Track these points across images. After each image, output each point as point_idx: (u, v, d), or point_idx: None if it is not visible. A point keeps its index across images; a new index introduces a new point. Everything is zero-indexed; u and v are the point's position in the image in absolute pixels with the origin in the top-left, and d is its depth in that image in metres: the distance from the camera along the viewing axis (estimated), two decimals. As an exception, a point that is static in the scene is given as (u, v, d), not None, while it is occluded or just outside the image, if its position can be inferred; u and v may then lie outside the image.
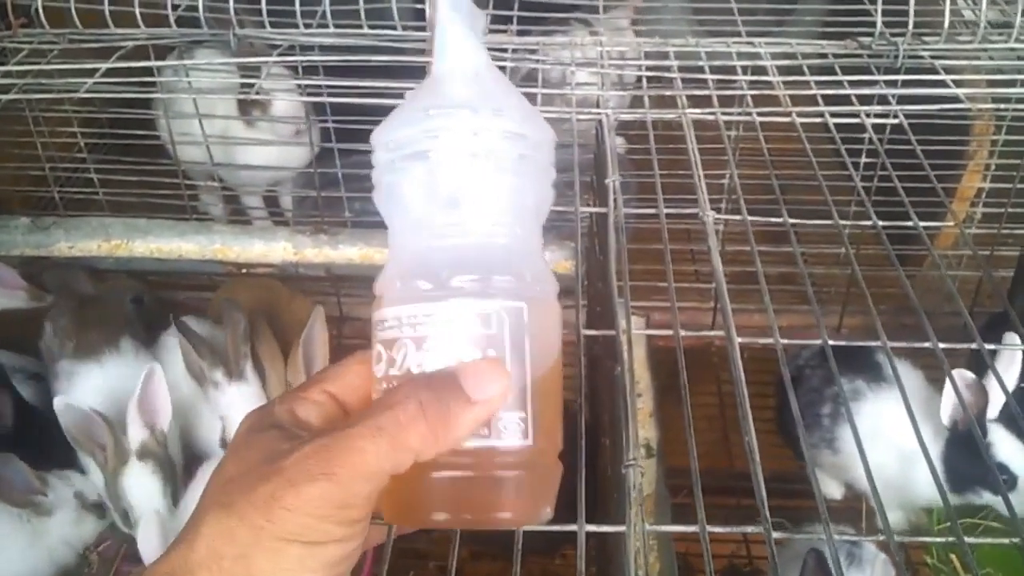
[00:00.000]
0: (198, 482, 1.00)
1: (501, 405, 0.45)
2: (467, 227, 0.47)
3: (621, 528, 0.53)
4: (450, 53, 0.49)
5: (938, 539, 0.72)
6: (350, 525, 0.42)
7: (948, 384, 0.91)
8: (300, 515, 0.40)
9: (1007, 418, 0.95)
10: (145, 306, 1.25)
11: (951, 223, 0.97)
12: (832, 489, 1.20)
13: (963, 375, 0.91)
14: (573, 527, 0.53)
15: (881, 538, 0.52)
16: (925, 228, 0.83)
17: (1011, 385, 0.93)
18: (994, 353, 0.67)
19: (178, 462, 1.03)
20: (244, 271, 1.22)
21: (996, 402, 0.94)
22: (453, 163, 0.47)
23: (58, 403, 0.96)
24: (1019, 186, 1.23)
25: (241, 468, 0.44)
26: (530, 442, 0.47)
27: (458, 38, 0.49)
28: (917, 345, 0.67)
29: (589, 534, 0.54)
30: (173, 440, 1.03)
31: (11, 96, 1.06)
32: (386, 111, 1.11)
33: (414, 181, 0.47)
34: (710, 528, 0.52)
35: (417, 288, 0.47)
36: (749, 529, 0.54)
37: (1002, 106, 1.14)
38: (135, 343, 1.13)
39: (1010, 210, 1.26)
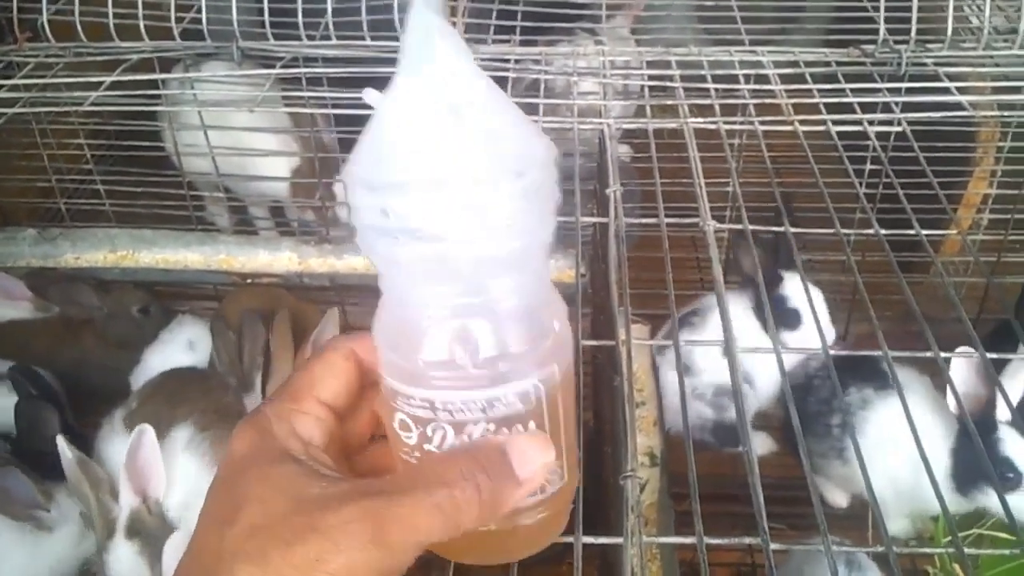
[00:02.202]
0: None
1: (542, 479, 0.45)
2: (489, 298, 0.43)
3: (619, 540, 0.53)
4: (438, 76, 0.41)
5: (937, 549, 0.72)
6: None
7: (954, 372, 0.90)
8: None
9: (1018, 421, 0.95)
10: (151, 316, 1.26)
11: (954, 230, 0.97)
12: (838, 498, 1.19)
13: (971, 362, 0.90)
14: (570, 539, 0.53)
15: (880, 549, 0.51)
16: (927, 235, 0.83)
17: (1019, 391, 0.92)
18: (997, 361, 0.67)
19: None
20: (249, 281, 1.23)
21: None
22: (470, 244, 0.41)
23: (60, 440, 0.93)
24: (1025, 192, 1.23)
25: (268, 514, 0.41)
26: (563, 483, 0.47)
27: (444, 50, 0.41)
28: (918, 355, 0.67)
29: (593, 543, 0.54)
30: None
31: (18, 109, 1.06)
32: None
33: (425, 258, 0.42)
34: (708, 539, 0.52)
35: (445, 371, 0.44)
36: (748, 540, 0.53)
37: (1007, 112, 1.14)
38: (191, 432, 1.03)
39: (1016, 216, 1.26)
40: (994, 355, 0.66)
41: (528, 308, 0.44)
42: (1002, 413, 0.95)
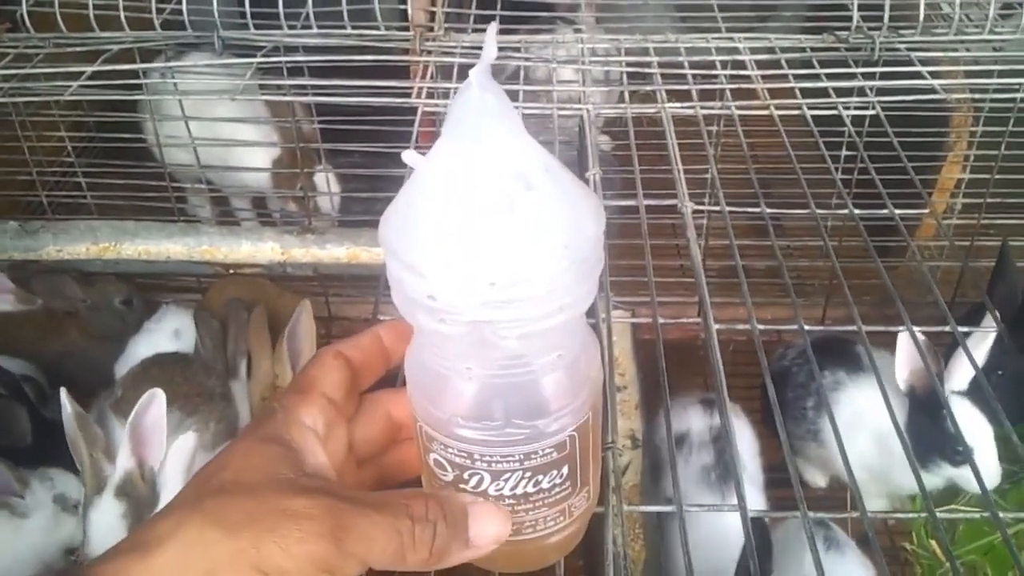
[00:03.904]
0: None
1: (493, 548, 0.46)
2: (531, 365, 0.44)
3: (599, 510, 0.54)
4: (488, 151, 0.40)
5: (910, 514, 0.73)
6: None
7: (901, 343, 0.91)
8: (288, 557, 0.40)
9: (974, 394, 0.96)
10: (134, 308, 1.26)
11: (928, 212, 0.98)
12: (817, 478, 1.21)
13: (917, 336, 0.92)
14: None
15: (855, 514, 0.53)
16: (902, 215, 0.84)
17: (980, 363, 0.94)
18: (967, 335, 0.68)
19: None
20: (232, 271, 1.23)
21: (964, 376, 0.96)
22: (517, 324, 0.41)
23: (63, 393, 0.94)
24: (998, 176, 1.25)
25: (239, 483, 0.43)
26: (588, 503, 0.50)
27: (494, 126, 0.40)
28: (892, 329, 0.69)
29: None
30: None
31: (-3, 100, 1.06)
32: (372, 111, 1.11)
33: (470, 334, 0.41)
34: (687, 507, 0.53)
35: (486, 432, 0.45)
36: (726, 508, 0.55)
37: (978, 96, 1.15)
38: (179, 417, 1.04)
39: (989, 200, 1.28)
40: (965, 328, 0.68)
41: (568, 366, 0.45)
42: (956, 384, 0.97)
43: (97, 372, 1.21)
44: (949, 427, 0.90)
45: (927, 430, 0.96)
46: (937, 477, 0.99)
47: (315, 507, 0.41)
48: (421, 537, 0.44)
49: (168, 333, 1.19)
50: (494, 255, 0.40)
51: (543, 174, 0.41)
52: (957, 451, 0.95)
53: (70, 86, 1.05)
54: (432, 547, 0.44)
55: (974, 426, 0.96)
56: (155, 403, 0.93)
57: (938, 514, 0.52)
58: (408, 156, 0.41)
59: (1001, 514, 0.53)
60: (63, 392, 0.93)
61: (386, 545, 0.43)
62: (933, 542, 0.99)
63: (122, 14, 1.13)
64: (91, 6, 1.12)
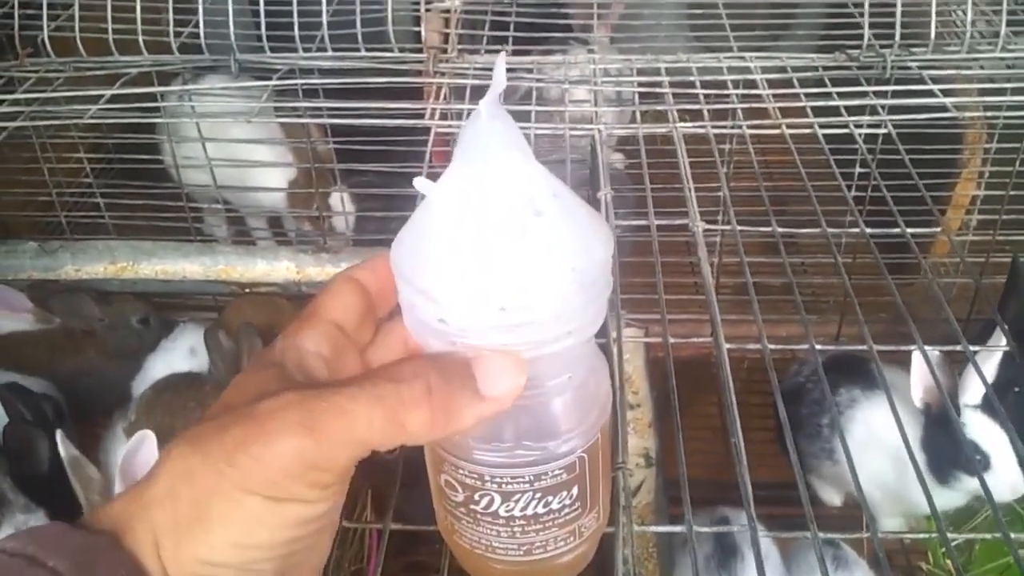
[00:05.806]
0: None
1: (512, 401, 0.42)
2: (540, 386, 0.44)
3: (609, 529, 0.54)
4: (497, 176, 0.40)
5: (920, 534, 0.73)
6: (320, 489, 0.39)
7: (915, 361, 0.91)
8: (265, 467, 0.37)
9: (986, 406, 0.96)
10: (151, 327, 1.28)
11: (939, 230, 0.98)
12: (832, 497, 1.20)
13: (931, 353, 0.92)
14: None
15: (866, 535, 0.53)
16: (914, 235, 0.84)
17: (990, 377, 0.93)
18: (977, 353, 0.68)
19: None
20: (247, 290, 1.24)
21: (978, 392, 0.96)
22: (527, 348, 0.41)
23: (60, 436, 0.93)
24: (1012, 193, 1.25)
25: (226, 406, 0.40)
26: (598, 524, 0.50)
27: (504, 153, 0.40)
28: (903, 348, 0.69)
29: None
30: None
31: (19, 123, 1.08)
32: (386, 132, 1.12)
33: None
34: (697, 528, 0.53)
35: (496, 453, 0.45)
36: (736, 528, 0.55)
37: (991, 113, 1.15)
38: None
39: (1004, 217, 1.27)
40: (977, 347, 0.68)
41: (577, 388, 0.45)
42: (969, 398, 0.97)
43: (114, 390, 1.22)
44: (966, 436, 0.89)
45: (943, 444, 0.96)
46: (958, 492, 0.98)
47: (277, 404, 0.38)
48: (412, 395, 0.39)
49: (184, 351, 1.20)
50: (504, 280, 0.40)
51: (552, 200, 0.41)
52: (975, 459, 0.94)
53: (89, 109, 1.07)
54: (431, 403, 0.40)
55: (990, 435, 0.95)
56: (146, 444, 0.92)
57: (953, 535, 0.52)
58: (419, 183, 0.41)
59: (1014, 535, 0.52)
60: (59, 435, 0.93)
61: (371, 416, 0.38)
62: (949, 562, 0.98)
63: (140, 38, 1.15)
64: (111, 31, 1.14)
